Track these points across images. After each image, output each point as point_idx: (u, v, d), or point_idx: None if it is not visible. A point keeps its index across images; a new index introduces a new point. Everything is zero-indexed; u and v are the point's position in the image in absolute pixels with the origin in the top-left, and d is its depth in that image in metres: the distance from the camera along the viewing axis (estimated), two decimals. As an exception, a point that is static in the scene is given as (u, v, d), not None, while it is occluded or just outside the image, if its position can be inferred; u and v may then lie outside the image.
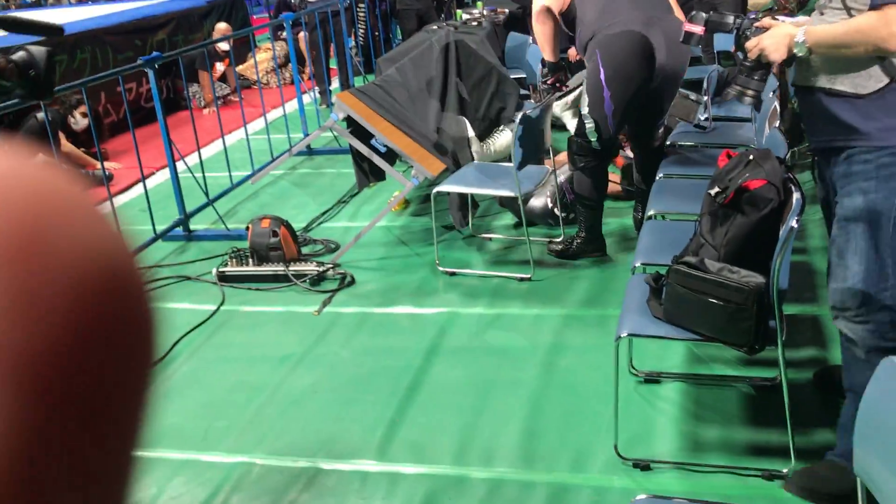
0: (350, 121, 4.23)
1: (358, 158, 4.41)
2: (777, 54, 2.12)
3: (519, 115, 3.64)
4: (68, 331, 0.28)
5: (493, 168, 4.11)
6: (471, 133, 4.38)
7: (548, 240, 4.01)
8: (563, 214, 4.16)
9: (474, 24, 5.57)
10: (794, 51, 2.08)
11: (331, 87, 7.42)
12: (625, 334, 2.34)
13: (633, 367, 2.87)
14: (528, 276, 3.71)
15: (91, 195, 0.32)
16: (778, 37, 2.12)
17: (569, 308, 3.43)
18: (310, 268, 3.88)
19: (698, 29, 2.54)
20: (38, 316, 0.28)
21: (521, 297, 3.57)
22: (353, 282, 3.84)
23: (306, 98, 6.75)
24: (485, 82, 4.66)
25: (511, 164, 3.70)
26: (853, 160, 2.03)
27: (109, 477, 0.32)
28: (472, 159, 4.36)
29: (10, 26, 1.83)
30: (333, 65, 7.69)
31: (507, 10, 6.40)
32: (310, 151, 5.96)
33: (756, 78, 2.24)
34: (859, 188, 2.02)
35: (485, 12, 6.20)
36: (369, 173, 4.47)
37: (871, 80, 1.97)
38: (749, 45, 2.19)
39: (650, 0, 3.58)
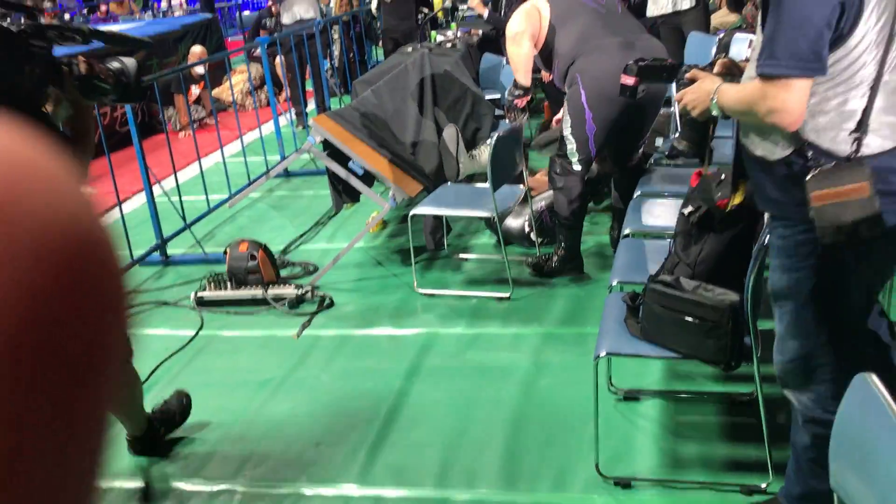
0: (327, 143, 4.25)
1: (333, 180, 4.42)
2: (697, 111, 2.00)
3: (493, 136, 3.68)
4: (34, 290, 0.29)
5: (469, 189, 4.14)
6: (460, 144, 4.41)
7: (525, 258, 4.04)
8: (539, 240, 4.19)
9: (448, 45, 5.62)
10: (710, 108, 1.95)
11: (307, 110, 7.44)
12: (603, 353, 2.36)
13: (613, 385, 2.90)
14: (507, 295, 3.74)
15: (57, 159, 0.32)
16: (699, 92, 1.99)
17: (547, 327, 3.46)
18: (288, 290, 3.88)
19: (631, 80, 2.48)
20: (4, 288, 0.28)
21: (500, 317, 3.59)
22: (332, 304, 3.84)
23: (282, 120, 6.76)
24: (460, 104, 4.70)
25: (485, 185, 3.73)
26: (774, 232, 1.93)
27: (85, 428, 0.32)
28: (458, 171, 4.39)
29: (108, 39, 2.17)
30: (309, 87, 7.71)
31: (480, 32, 6.46)
32: (287, 173, 5.96)
33: (697, 130, 2.12)
34: (781, 265, 1.92)
35: (459, 34, 6.25)
36: (344, 194, 4.48)
37: (778, 146, 1.80)
38: (676, 97, 2.08)
39: (624, 24, 3.65)
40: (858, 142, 1.71)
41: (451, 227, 4.51)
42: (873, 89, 1.69)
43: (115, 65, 2.06)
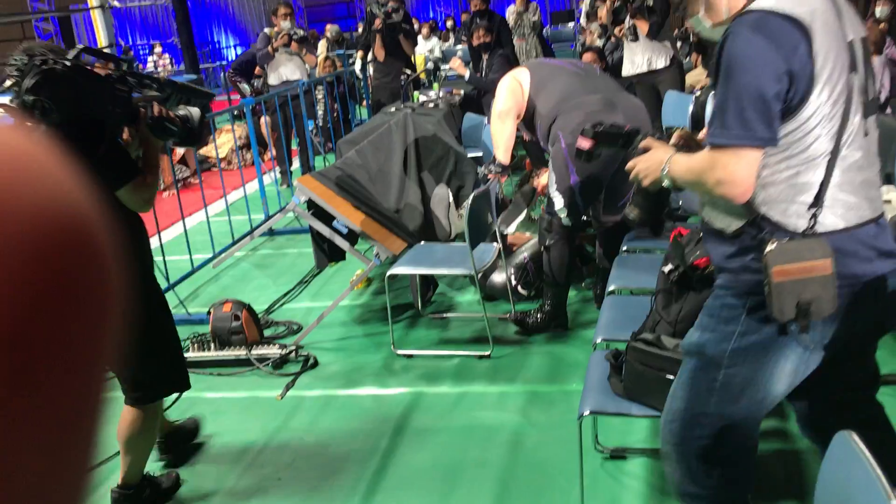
0: (311, 202, 4.29)
1: (318, 239, 4.45)
2: (648, 180, 1.93)
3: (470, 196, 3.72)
4: (28, 294, 0.29)
5: (447, 248, 4.17)
6: (451, 205, 4.46)
7: (508, 315, 4.05)
8: (525, 292, 4.21)
9: (431, 105, 5.72)
10: (662, 179, 1.89)
11: (291, 168, 7.51)
12: (587, 412, 2.36)
13: (599, 444, 2.89)
14: (488, 353, 3.74)
15: (53, 150, 0.32)
16: (651, 162, 1.92)
17: (531, 384, 3.45)
18: (272, 351, 3.86)
19: (587, 144, 2.49)
20: None
21: (484, 375, 3.59)
22: (316, 364, 3.82)
23: (267, 179, 6.81)
24: (443, 162, 4.77)
25: (462, 244, 3.76)
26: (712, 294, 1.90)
27: (76, 421, 0.32)
28: (450, 228, 4.44)
29: (178, 88, 2.52)
30: (294, 146, 7.79)
31: (462, 92, 6.58)
32: (271, 232, 5.98)
33: (649, 199, 2.01)
34: (701, 323, 1.90)
35: (441, 94, 6.37)
36: (329, 253, 4.50)
37: (734, 219, 1.76)
38: (629, 166, 2.02)
39: (604, 84, 3.75)
40: (815, 217, 1.67)
41: (437, 284, 4.52)
42: (830, 164, 1.66)
43: (181, 112, 2.45)
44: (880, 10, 7.51)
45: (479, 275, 3.85)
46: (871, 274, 1.70)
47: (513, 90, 3.74)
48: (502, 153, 3.86)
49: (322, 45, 11.43)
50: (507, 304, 4.24)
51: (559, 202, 3.67)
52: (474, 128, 6.07)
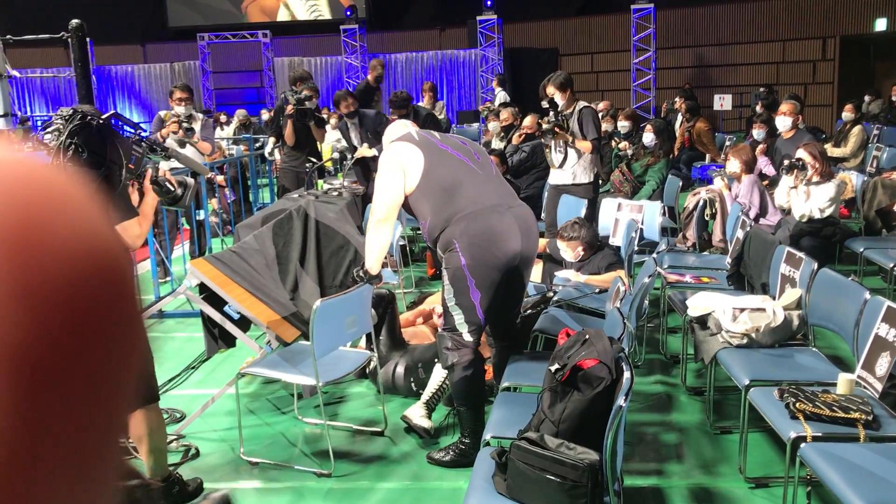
0: (204, 286, 4.20)
1: (208, 324, 4.33)
2: None
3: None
4: (63, 321, 0.30)
5: (307, 351, 3.75)
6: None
7: (369, 429, 3.89)
8: (416, 389, 4.16)
9: (335, 193, 5.76)
10: None
11: (172, 257, 7.34)
12: (470, 511, 2.34)
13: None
14: (328, 472, 3.46)
15: (79, 182, 0.34)
16: None
17: (420, 482, 3.41)
18: (151, 440, 3.68)
19: None
20: (34, 309, 0.30)
21: (374, 471, 3.52)
22: (197, 454, 3.66)
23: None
24: (343, 251, 4.78)
25: (351, 350, 3.65)
26: None
27: (101, 456, 0.33)
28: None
29: (180, 159, 3.25)
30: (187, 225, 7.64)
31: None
32: (160, 314, 5.80)
33: None
34: None
35: (345, 183, 6.43)
36: (219, 339, 4.38)
37: None
38: None
39: (496, 189, 3.49)
40: None
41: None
42: None
43: (179, 178, 2.95)
44: (757, 133, 8.11)
45: (370, 368, 3.76)
46: None
47: (396, 192, 3.42)
48: (374, 262, 3.56)
49: (231, 129, 11.44)
50: (402, 399, 4.21)
51: (459, 316, 3.35)
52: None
